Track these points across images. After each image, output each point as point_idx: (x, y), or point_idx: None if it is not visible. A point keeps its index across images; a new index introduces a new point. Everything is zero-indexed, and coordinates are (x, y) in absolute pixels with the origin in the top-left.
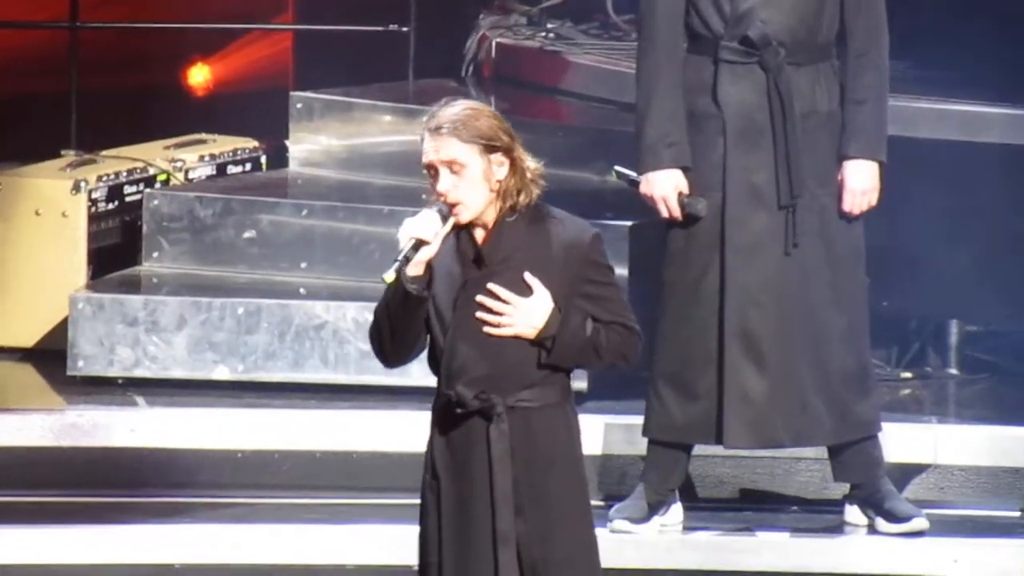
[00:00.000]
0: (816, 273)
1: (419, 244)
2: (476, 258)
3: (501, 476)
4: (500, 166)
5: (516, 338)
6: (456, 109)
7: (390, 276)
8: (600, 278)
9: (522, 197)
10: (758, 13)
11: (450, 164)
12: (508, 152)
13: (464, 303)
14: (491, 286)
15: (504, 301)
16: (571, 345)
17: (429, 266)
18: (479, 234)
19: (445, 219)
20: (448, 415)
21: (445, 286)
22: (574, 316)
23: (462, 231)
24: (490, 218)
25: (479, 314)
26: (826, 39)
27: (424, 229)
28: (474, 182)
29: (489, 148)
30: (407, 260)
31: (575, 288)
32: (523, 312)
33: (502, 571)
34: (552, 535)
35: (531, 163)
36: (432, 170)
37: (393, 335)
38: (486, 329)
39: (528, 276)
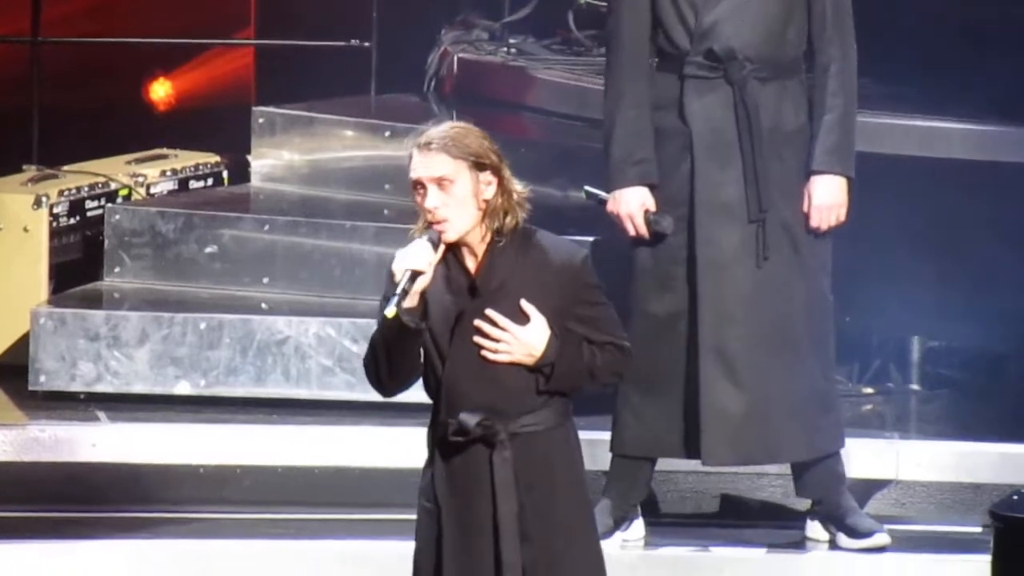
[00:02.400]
0: (786, 288)
1: (415, 275)
2: (470, 287)
3: (506, 504)
4: (488, 185)
5: (514, 365)
6: (446, 127)
7: (391, 311)
8: (592, 299)
9: (508, 219)
10: (723, 27)
11: (439, 180)
12: (496, 171)
13: (461, 333)
14: (488, 313)
15: (502, 328)
16: (569, 370)
17: (423, 297)
18: (469, 262)
19: (435, 247)
20: (448, 443)
21: (440, 317)
22: (571, 341)
23: (452, 260)
24: (476, 240)
25: (477, 339)
26: (793, 54)
27: (417, 260)
28: (462, 199)
29: (478, 166)
30: (405, 293)
31: (569, 311)
32: (521, 340)
33: None
34: (560, 560)
35: (518, 186)
36: (420, 187)
37: (391, 367)
38: (484, 354)
39: (524, 304)
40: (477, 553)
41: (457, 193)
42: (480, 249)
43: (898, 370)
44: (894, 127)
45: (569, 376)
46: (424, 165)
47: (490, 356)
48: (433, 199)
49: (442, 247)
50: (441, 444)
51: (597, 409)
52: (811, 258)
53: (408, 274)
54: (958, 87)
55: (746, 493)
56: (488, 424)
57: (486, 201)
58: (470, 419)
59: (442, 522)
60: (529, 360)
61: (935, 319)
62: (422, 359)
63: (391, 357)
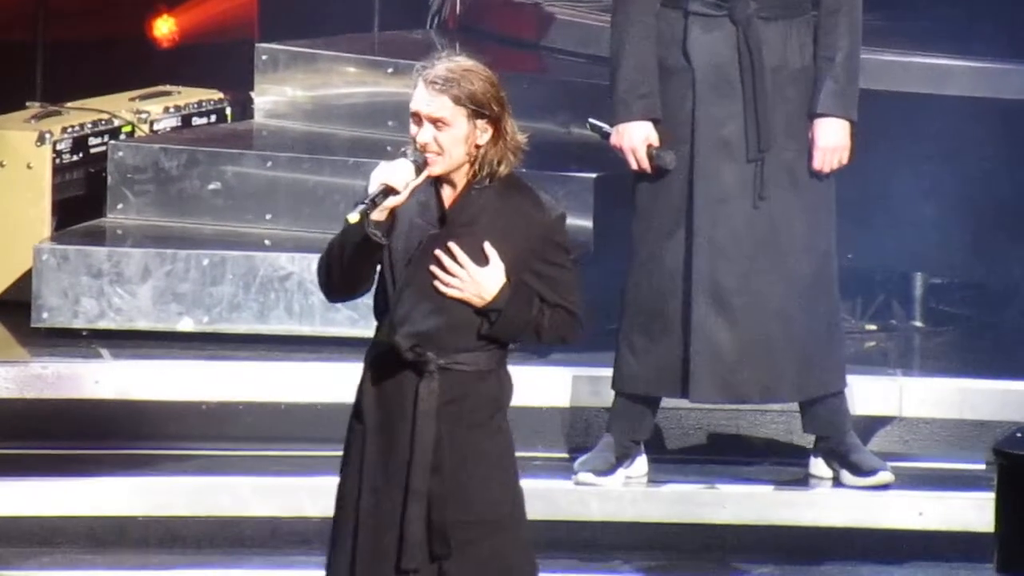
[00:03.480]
0: (785, 227)
1: (388, 191)
2: (441, 218)
3: (423, 433)
4: (484, 132)
5: (462, 302)
6: (456, 65)
7: (354, 216)
8: (555, 259)
9: (502, 167)
10: None
11: (436, 120)
12: (495, 121)
13: (420, 259)
14: (450, 245)
15: (459, 264)
16: (514, 322)
17: (392, 215)
18: (447, 194)
19: (419, 170)
20: (381, 365)
21: (403, 239)
22: (522, 293)
23: (431, 189)
24: (461, 177)
25: (433, 268)
26: None
27: (396, 177)
28: (454, 141)
29: (477, 113)
30: (374, 204)
31: (529, 263)
32: (475, 280)
33: (407, 527)
34: (470, 498)
35: (518, 135)
36: (416, 118)
37: (343, 273)
38: (436, 284)
39: (487, 246)
40: (391, 478)
41: (451, 135)
42: (462, 184)
43: (901, 306)
44: (897, 64)
45: (512, 327)
46: (426, 101)
47: (442, 288)
48: (426, 134)
49: (424, 174)
50: (374, 365)
51: (601, 346)
52: (813, 197)
53: (382, 188)
54: (964, 23)
55: (750, 430)
56: (421, 352)
57: (477, 147)
58: (405, 341)
59: (365, 442)
60: (478, 302)
61: (938, 255)
62: (376, 276)
63: (345, 263)
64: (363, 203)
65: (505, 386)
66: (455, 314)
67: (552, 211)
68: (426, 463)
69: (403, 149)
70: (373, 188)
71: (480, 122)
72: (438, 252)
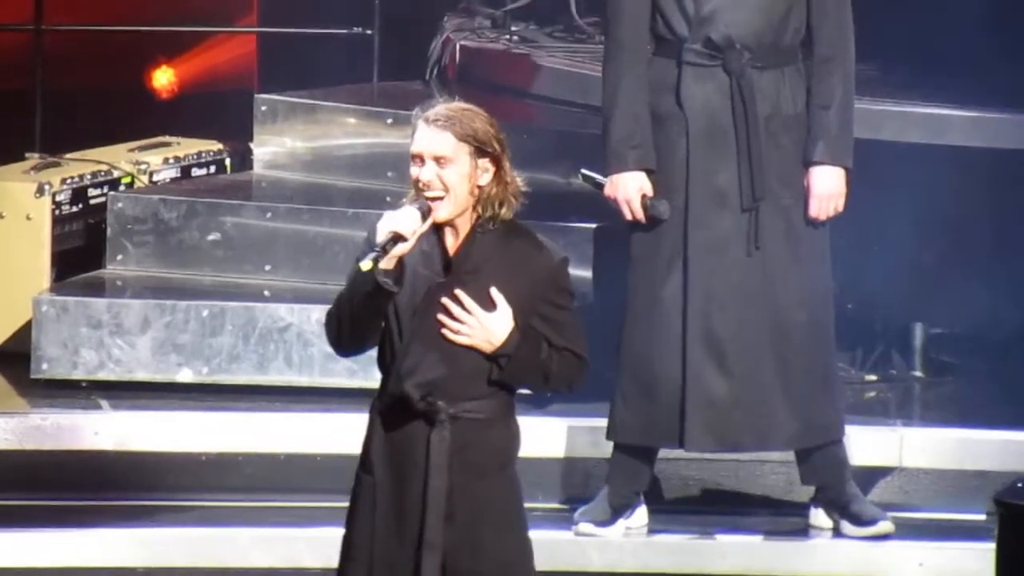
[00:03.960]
0: (781, 275)
1: (397, 238)
2: (445, 265)
3: (436, 482)
4: (485, 172)
5: (471, 349)
6: (455, 106)
7: (366, 264)
8: (561, 302)
9: (503, 210)
10: (722, 16)
11: (439, 158)
12: (496, 160)
13: (426, 307)
14: (457, 293)
15: (467, 310)
16: (524, 366)
17: (401, 263)
18: (451, 241)
19: (424, 217)
20: (390, 416)
21: (409, 288)
22: (531, 338)
23: (434, 238)
24: (464, 223)
25: (440, 317)
26: (791, 43)
27: (403, 224)
28: (458, 179)
29: (479, 151)
30: (384, 251)
31: (534, 308)
32: (484, 326)
33: None
34: (483, 547)
35: (517, 179)
36: (419, 159)
37: (353, 325)
38: (444, 332)
39: (494, 292)
40: (404, 529)
41: (453, 173)
42: (464, 231)
43: (901, 357)
44: (895, 114)
45: (522, 372)
46: (427, 139)
47: (450, 336)
48: (429, 173)
49: (429, 221)
50: (384, 416)
51: (600, 396)
52: (808, 245)
53: (390, 235)
54: (959, 74)
55: (749, 480)
56: (432, 401)
57: (480, 187)
58: (416, 391)
59: (376, 494)
60: (487, 347)
61: (938, 306)
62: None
63: (355, 315)
64: (374, 251)
65: (515, 435)
66: (464, 362)
67: (555, 255)
68: (440, 513)
69: (402, 200)
70: (381, 237)
71: (482, 161)
72: (445, 300)
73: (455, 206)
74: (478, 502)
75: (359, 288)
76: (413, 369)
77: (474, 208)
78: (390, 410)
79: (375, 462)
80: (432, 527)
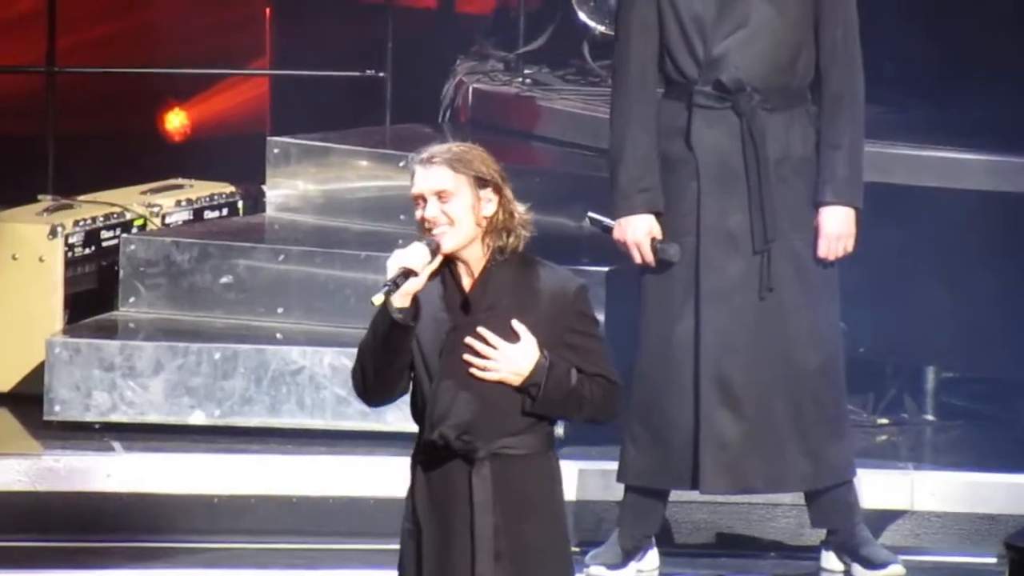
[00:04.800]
0: (792, 318)
1: (407, 273)
2: (463, 304)
3: (482, 522)
4: (488, 202)
5: (501, 384)
6: (449, 144)
7: (378, 298)
8: (585, 329)
9: (512, 239)
10: (732, 58)
11: (439, 193)
12: (498, 190)
13: (451, 348)
14: (479, 330)
15: (491, 345)
16: (556, 394)
17: (415, 301)
18: (465, 280)
19: (434, 253)
20: (429, 461)
21: (432, 332)
22: (559, 366)
23: (448, 277)
24: (476, 258)
25: (466, 356)
26: (801, 84)
27: (412, 260)
28: (462, 213)
29: (479, 182)
30: (396, 286)
31: (559, 337)
32: (509, 358)
33: None
34: None
35: (519, 207)
36: (420, 200)
37: (376, 370)
38: (472, 372)
39: (515, 323)
40: (454, 570)
41: (457, 206)
42: (478, 268)
43: (913, 400)
44: (906, 157)
45: (555, 400)
46: (425, 178)
47: (477, 373)
48: (432, 210)
49: (439, 257)
50: (423, 463)
51: (611, 440)
52: (818, 286)
53: (400, 271)
54: (970, 116)
55: (760, 524)
56: (469, 440)
57: (486, 218)
58: (452, 432)
59: (422, 541)
60: (516, 379)
61: (950, 349)
62: (410, 378)
63: (377, 358)
64: (385, 286)
65: (556, 469)
66: (496, 398)
67: (572, 282)
68: (489, 551)
69: (403, 243)
70: (391, 273)
71: (484, 191)
72: (468, 339)
73: (462, 235)
74: (524, 540)
75: (378, 329)
76: (446, 412)
77: (484, 241)
78: (429, 457)
79: (419, 510)
80: (483, 565)
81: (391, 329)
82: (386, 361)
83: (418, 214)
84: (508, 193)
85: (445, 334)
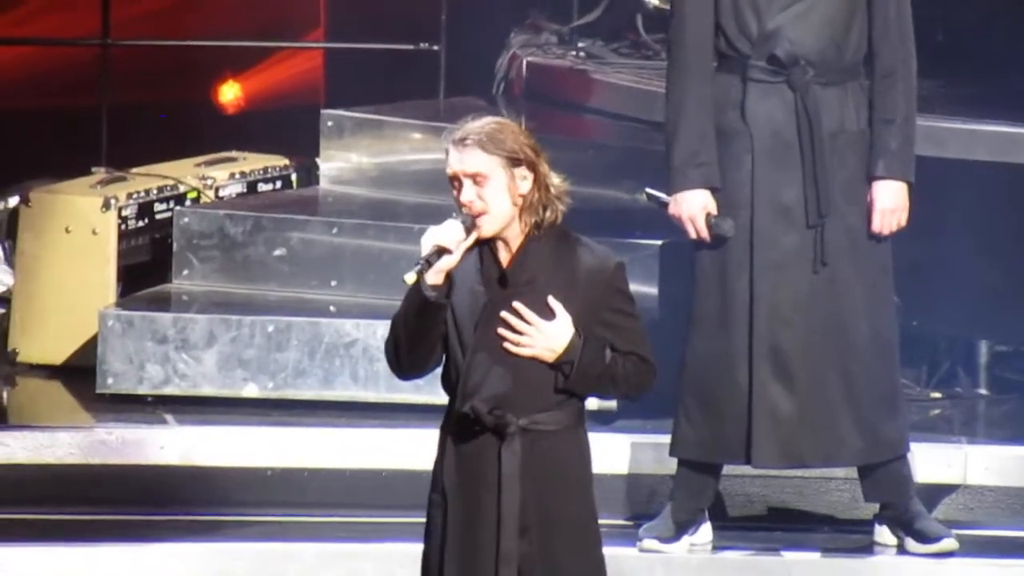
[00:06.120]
0: (846, 292)
1: (441, 251)
2: (500, 278)
3: (509, 496)
4: (524, 180)
5: (535, 360)
6: (481, 123)
7: (410, 277)
8: (621, 307)
9: (548, 213)
10: (786, 33)
11: (474, 176)
12: (532, 166)
13: (486, 322)
14: (515, 305)
15: (527, 321)
16: (589, 372)
17: (449, 278)
18: (503, 254)
19: (468, 231)
20: (460, 433)
21: (467, 305)
22: (593, 343)
23: (486, 250)
24: (514, 234)
25: (500, 331)
26: (854, 59)
27: (446, 237)
28: (497, 194)
29: (513, 161)
30: (428, 264)
31: (595, 314)
32: (544, 334)
33: None
34: (558, 559)
35: (556, 179)
36: (456, 181)
37: (409, 344)
38: (506, 346)
39: (551, 300)
40: (479, 543)
41: (492, 188)
42: (516, 243)
43: (966, 374)
44: (961, 132)
45: (588, 377)
46: (459, 160)
47: (512, 348)
48: (468, 193)
49: (474, 234)
50: (454, 434)
51: (664, 413)
52: (872, 261)
53: (434, 249)
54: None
55: (813, 497)
56: (500, 414)
57: (522, 196)
58: (483, 406)
59: (447, 512)
60: (550, 356)
61: (1003, 323)
62: (443, 349)
63: (410, 333)
64: (418, 264)
65: (585, 445)
66: (529, 373)
67: (610, 259)
68: (515, 526)
69: (453, 214)
70: (425, 250)
71: (518, 170)
72: (503, 314)
73: (500, 220)
74: (552, 516)
75: (411, 306)
76: (479, 385)
77: (521, 218)
78: (459, 429)
79: (446, 482)
80: (508, 539)
81: (424, 306)
82: (419, 336)
83: (454, 194)
84: (543, 168)
85: (481, 307)
